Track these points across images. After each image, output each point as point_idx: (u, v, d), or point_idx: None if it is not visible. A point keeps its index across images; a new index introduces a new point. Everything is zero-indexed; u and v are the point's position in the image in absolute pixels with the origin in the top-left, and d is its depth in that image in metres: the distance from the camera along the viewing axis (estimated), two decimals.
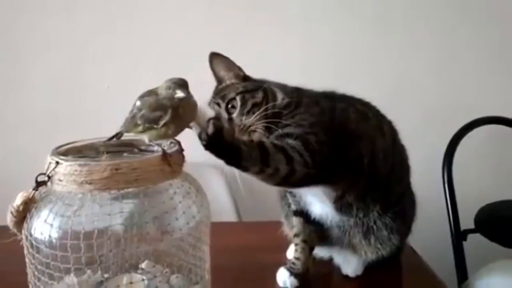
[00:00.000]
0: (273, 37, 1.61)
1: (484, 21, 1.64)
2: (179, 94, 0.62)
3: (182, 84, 0.63)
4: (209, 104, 0.82)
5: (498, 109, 1.52)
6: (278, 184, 0.75)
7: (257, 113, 0.76)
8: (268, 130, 0.76)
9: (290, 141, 0.73)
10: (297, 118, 0.76)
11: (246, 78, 0.83)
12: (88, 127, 1.52)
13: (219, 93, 0.81)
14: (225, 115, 0.78)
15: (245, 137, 0.75)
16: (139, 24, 1.61)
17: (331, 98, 0.84)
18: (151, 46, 1.61)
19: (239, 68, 0.83)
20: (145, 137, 0.66)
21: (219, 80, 0.84)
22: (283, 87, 0.83)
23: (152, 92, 0.65)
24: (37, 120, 1.64)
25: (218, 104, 0.79)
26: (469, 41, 1.65)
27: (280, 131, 0.74)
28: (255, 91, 0.79)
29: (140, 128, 0.65)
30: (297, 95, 0.81)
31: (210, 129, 0.64)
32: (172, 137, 0.67)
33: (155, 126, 0.64)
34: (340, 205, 0.82)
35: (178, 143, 0.68)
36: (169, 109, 0.63)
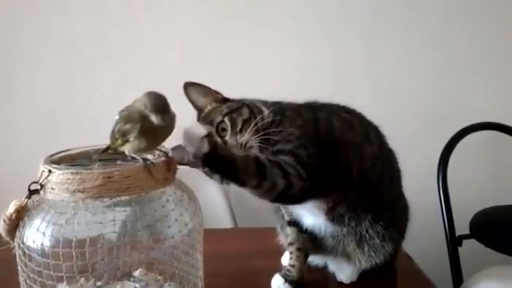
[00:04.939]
0: (270, 46, 1.62)
1: (481, 27, 1.65)
2: (153, 119, 0.62)
3: (158, 107, 0.62)
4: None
5: (493, 115, 1.53)
6: (276, 199, 0.74)
7: (249, 129, 0.75)
8: (262, 143, 0.75)
9: (282, 157, 0.73)
10: (284, 133, 0.76)
11: (226, 100, 0.82)
12: (85, 133, 1.53)
13: (205, 120, 0.80)
14: (217, 139, 0.76)
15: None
16: (135, 31, 1.62)
17: (312, 108, 0.83)
18: (146, 53, 1.62)
19: (217, 92, 0.83)
20: (125, 150, 0.66)
21: (199, 109, 0.83)
22: (265, 102, 0.82)
23: (130, 106, 0.65)
24: (33, 127, 1.64)
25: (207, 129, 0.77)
26: (465, 47, 1.66)
27: (270, 148, 0.74)
28: (240, 109, 0.78)
29: (119, 141, 0.65)
30: (279, 109, 0.80)
31: (205, 147, 0.64)
32: (147, 150, 0.66)
33: (128, 140, 0.63)
34: (332, 216, 0.82)
35: (165, 153, 0.68)
36: (138, 124, 0.62)
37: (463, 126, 1.47)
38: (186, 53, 1.59)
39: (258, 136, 0.75)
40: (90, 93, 1.63)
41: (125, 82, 1.59)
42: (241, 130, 0.76)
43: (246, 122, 0.76)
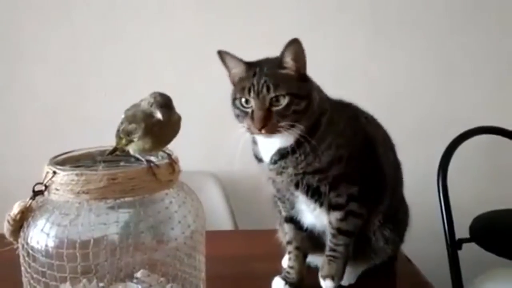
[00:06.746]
0: (269, 47, 1.62)
1: (480, 33, 1.66)
2: (157, 115, 0.62)
3: (163, 104, 0.63)
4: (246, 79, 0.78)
5: (493, 119, 1.53)
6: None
7: (291, 120, 0.75)
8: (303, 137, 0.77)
9: (343, 187, 0.79)
10: (332, 146, 0.78)
11: (303, 77, 0.80)
12: (87, 134, 1.54)
13: (275, 78, 0.76)
14: (266, 103, 0.74)
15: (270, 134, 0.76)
16: (137, 32, 1.62)
17: (344, 106, 0.86)
18: (147, 54, 1.62)
19: (305, 65, 0.81)
20: (130, 150, 0.66)
21: (282, 65, 0.79)
22: (320, 93, 0.82)
23: (135, 105, 0.66)
24: (36, 128, 1.64)
25: (268, 87, 0.75)
26: (464, 52, 1.67)
27: (328, 174, 0.78)
28: (302, 99, 0.76)
29: (124, 141, 0.65)
30: (329, 106, 0.82)
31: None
32: (151, 151, 0.67)
33: (133, 139, 0.64)
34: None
35: (168, 155, 0.69)
36: (142, 124, 0.63)
37: (463, 130, 1.47)
38: (188, 54, 1.59)
39: (291, 126, 0.75)
40: (92, 94, 1.63)
41: (127, 82, 1.60)
42: (288, 116, 0.75)
43: (295, 113, 0.75)
